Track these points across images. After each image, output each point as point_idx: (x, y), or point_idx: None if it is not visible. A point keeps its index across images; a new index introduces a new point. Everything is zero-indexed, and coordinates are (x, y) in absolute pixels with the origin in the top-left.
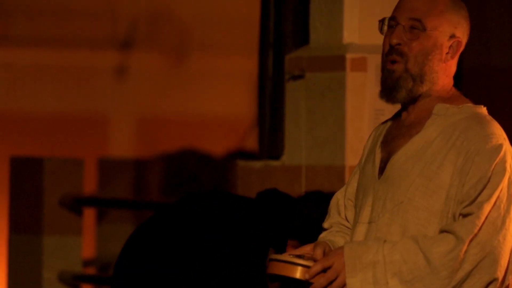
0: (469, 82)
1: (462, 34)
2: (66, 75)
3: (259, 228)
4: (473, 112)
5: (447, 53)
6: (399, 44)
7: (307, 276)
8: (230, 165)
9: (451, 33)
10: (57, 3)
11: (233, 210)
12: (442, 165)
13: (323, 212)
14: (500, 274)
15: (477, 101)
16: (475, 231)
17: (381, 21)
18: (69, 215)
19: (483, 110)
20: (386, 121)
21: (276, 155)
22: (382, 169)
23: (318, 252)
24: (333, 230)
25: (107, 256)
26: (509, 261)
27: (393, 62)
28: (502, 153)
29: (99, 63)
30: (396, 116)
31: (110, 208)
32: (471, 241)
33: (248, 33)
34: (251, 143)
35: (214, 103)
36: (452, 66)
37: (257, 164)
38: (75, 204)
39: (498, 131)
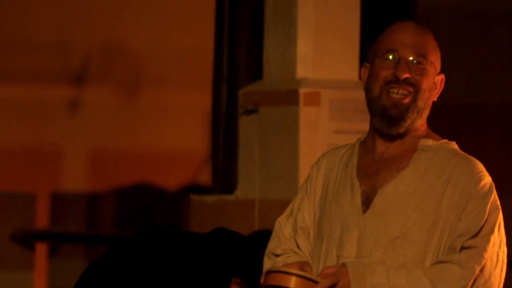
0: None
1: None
2: (19, 109)
3: (206, 265)
4: (453, 149)
5: (435, 89)
6: (408, 77)
7: None
8: (184, 199)
9: (439, 70)
10: (9, 36)
11: (184, 248)
12: (440, 201)
13: None
14: None
15: None
16: (481, 264)
17: (377, 53)
18: (21, 250)
19: (456, 146)
20: (339, 148)
21: (230, 190)
22: (367, 203)
23: (308, 270)
24: (290, 256)
25: None
26: None
27: (403, 94)
28: (494, 190)
29: (52, 97)
30: (362, 148)
31: (63, 243)
32: (478, 275)
33: (202, 67)
34: (205, 177)
35: (168, 137)
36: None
37: (211, 199)
38: (27, 239)
39: (484, 169)
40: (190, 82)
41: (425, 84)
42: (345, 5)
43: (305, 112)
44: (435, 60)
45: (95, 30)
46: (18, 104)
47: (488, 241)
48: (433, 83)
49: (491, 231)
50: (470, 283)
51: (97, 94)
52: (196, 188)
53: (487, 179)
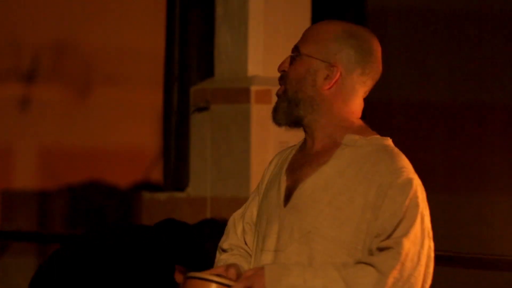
0: (370, 116)
1: (345, 62)
2: None
3: (152, 254)
4: (381, 144)
5: (325, 79)
6: (283, 70)
7: None
8: (135, 197)
9: (329, 61)
10: None
11: (134, 240)
12: (353, 197)
13: (217, 240)
14: None
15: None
16: (398, 265)
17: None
18: None
19: (390, 142)
20: (290, 147)
21: (181, 187)
22: (287, 198)
23: (232, 272)
24: (235, 253)
25: None
26: None
27: (280, 85)
28: (414, 187)
29: (2, 95)
30: (302, 144)
31: (13, 241)
32: (395, 277)
33: (153, 65)
34: (156, 175)
35: (119, 135)
36: (340, 94)
37: (162, 196)
38: None
39: (408, 165)
40: (141, 80)
41: (291, 73)
42: (295, 4)
43: (257, 110)
44: (314, 50)
45: (46, 28)
46: None
47: (403, 242)
48: (307, 71)
49: (408, 231)
50: (387, 286)
51: (48, 92)
52: (148, 186)
53: (406, 176)
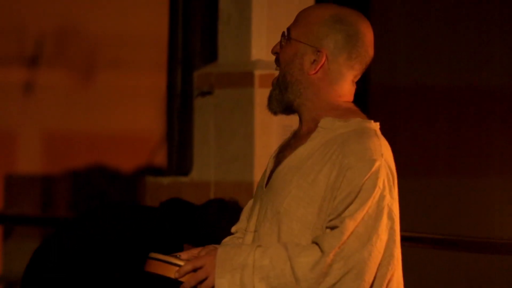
0: (375, 100)
1: (331, 47)
2: None
3: (158, 234)
4: (359, 127)
5: (311, 63)
6: (276, 52)
7: (177, 275)
8: (139, 181)
9: (315, 45)
10: None
11: (138, 219)
12: (317, 178)
13: (223, 219)
14: None
15: (382, 118)
16: (339, 244)
17: None
18: None
19: (372, 125)
20: (291, 133)
21: (185, 171)
22: (269, 179)
23: (202, 254)
24: (237, 236)
25: (14, 274)
26: (375, 277)
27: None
28: (374, 169)
29: (6, 79)
30: (296, 129)
31: (17, 225)
32: (335, 255)
33: (157, 49)
34: (160, 159)
35: (123, 119)
36: (327, 79)
37: (166, 180)
38: None
39: (375, 147)
40: (145, 64)
41: (282, 57)
42: None
43: (260, 94)
44: (302, 34)
45: (49, 13)
46: None
47: (346, 221)
48: (294, 55)
49: (356, 211)
50: (325, 266)
51: (52, 77)
52: (152, 170)
53: (369, 157)
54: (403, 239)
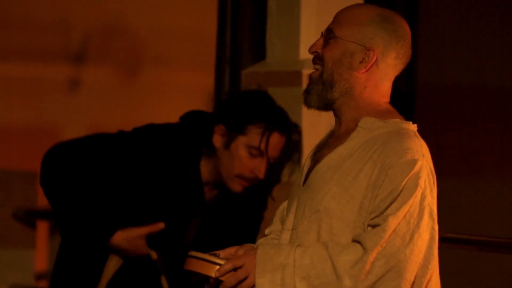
0: (422, 100)
1: (381, 46)
2: (18, 87)
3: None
4: (398, 127)
5: (360, 62)
6: (316, 51)
7: (217, 274)
8: None
9: (365, 44)
10: (9, 14)
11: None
12: (358, 176)
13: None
14: None
15: (428, 117)
16: (381, 242)
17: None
18: (22, 228)
19: (410, 126)
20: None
21: None
22: (306, 178)
23: (240, 253)
24: (272, 237)
25: None
26: (416, 276)
27: (315, 68)
28: (416, 168)
29: (52, 76)
30: (333, 129)
31: None
32: (377, 252)
33: (204, 47)
34: None
35: (169, 117)
36: (373, 78)
37: None
38: (28, 217)
39: (417, 147)
40: (192, 62)
41: (326, 55)
42: None
43: None
44: (350, 33)
45: (96, 9)
46: (17, 83)
47: (389, 219)
48: (343, 54)
49: (398, 209)
50: (367, 264)
51: (97, 73)
52: None
53: (410, 157)
54: (443, 240)
